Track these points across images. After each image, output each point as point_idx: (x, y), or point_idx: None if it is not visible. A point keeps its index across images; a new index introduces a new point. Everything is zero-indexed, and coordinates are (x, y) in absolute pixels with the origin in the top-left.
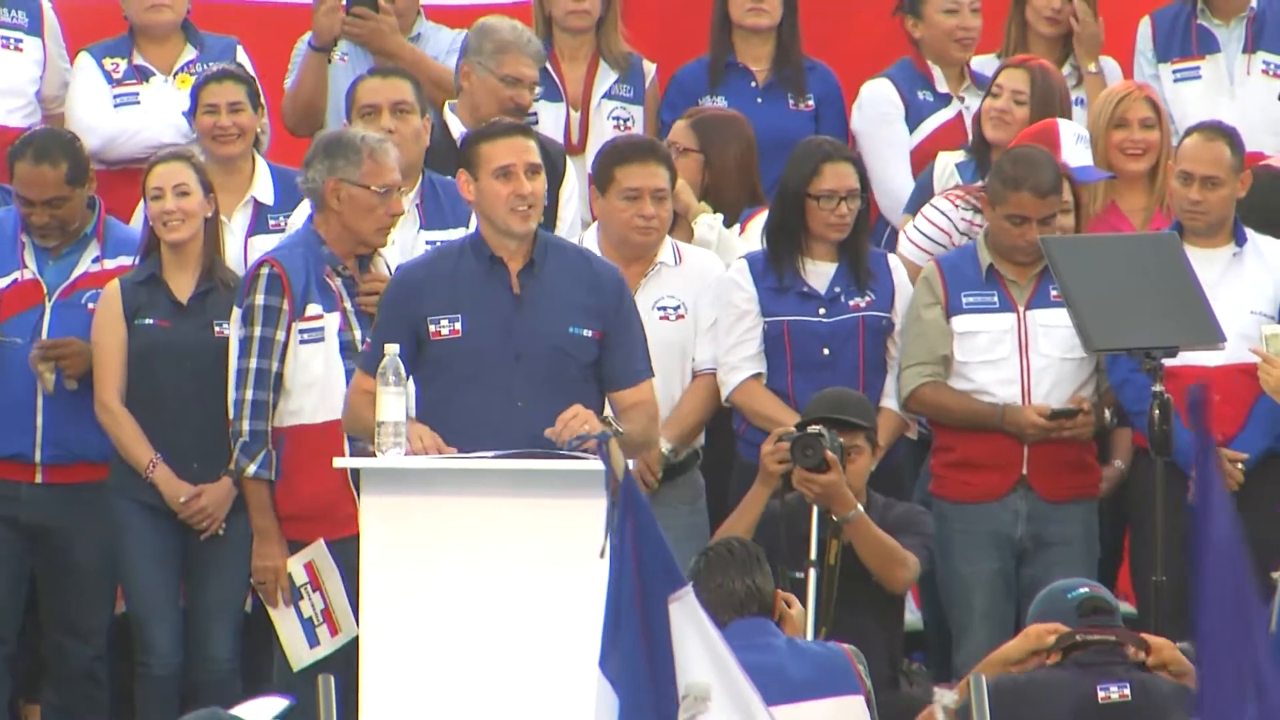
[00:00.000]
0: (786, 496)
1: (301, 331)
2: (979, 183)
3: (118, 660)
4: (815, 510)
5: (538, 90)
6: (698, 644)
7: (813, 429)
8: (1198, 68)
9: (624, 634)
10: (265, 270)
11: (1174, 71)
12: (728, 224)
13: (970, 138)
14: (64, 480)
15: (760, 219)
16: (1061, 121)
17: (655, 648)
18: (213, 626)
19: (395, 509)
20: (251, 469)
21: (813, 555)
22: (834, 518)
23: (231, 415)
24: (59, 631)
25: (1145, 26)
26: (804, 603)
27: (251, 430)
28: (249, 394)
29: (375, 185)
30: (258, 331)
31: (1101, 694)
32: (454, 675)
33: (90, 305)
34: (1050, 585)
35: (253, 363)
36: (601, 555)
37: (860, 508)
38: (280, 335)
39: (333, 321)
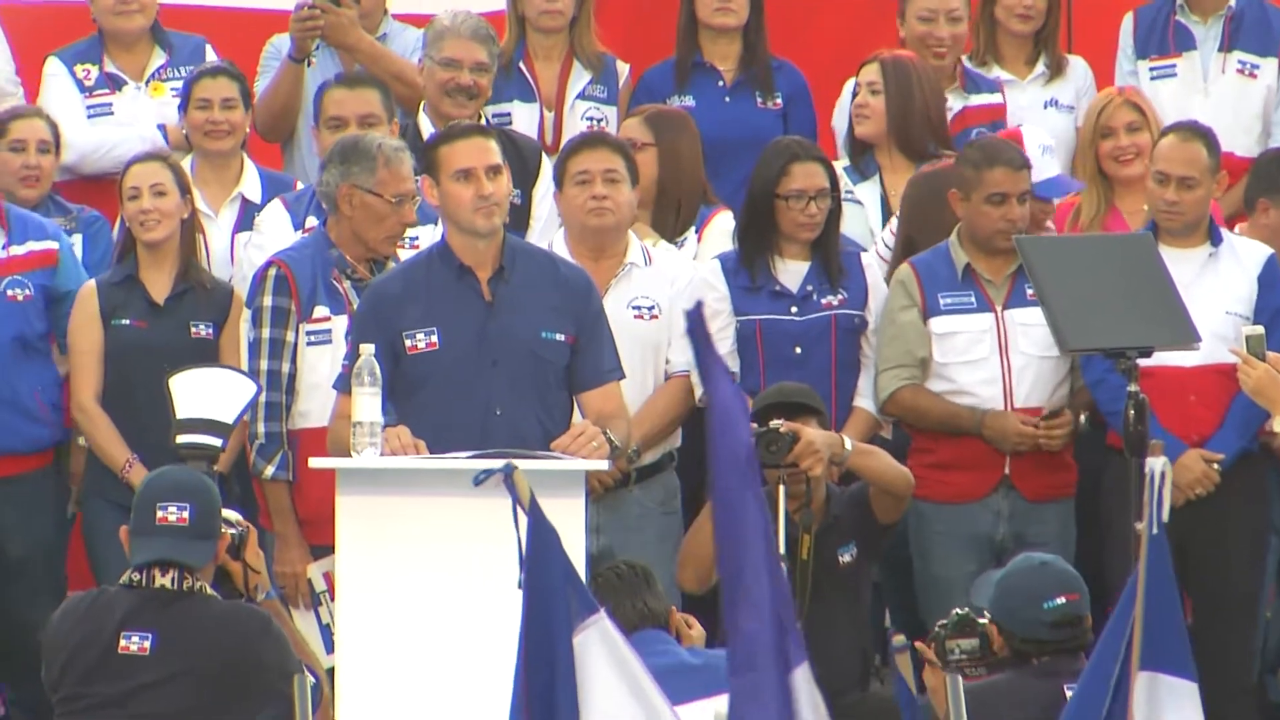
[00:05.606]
0: None
1: (309, 334)
2: None
3: None
4: (782, 507)
5: (485, 72)
6: (610, 675)
7: (774, 423)
8: (1174, 65)
9: (535, 678)
10: (272, 271)
11: (1150, 69)
12: (682, 221)
13: (845, 144)
14: None
15: (719, 219)
16: (1025, 129)
17: (560, 688)
18: None
19: (371, 509)
20: (269, 471)
21: (780, 550)
22: (834, 464)
23: (247, 418)
24: (6, 628)
25: (1128, 23)
26: None
27: (267, 432)
28: (262, 396)
29: (389, 194)
30: (267, 333)
31: (1069, 693)
32: (429, 674)
33: (11, 292)
34: (1029, 571)
35: (264, 364)
36: (519, 587)
37: (849, 441)
38: (290, 336)
39: (340, 324)
